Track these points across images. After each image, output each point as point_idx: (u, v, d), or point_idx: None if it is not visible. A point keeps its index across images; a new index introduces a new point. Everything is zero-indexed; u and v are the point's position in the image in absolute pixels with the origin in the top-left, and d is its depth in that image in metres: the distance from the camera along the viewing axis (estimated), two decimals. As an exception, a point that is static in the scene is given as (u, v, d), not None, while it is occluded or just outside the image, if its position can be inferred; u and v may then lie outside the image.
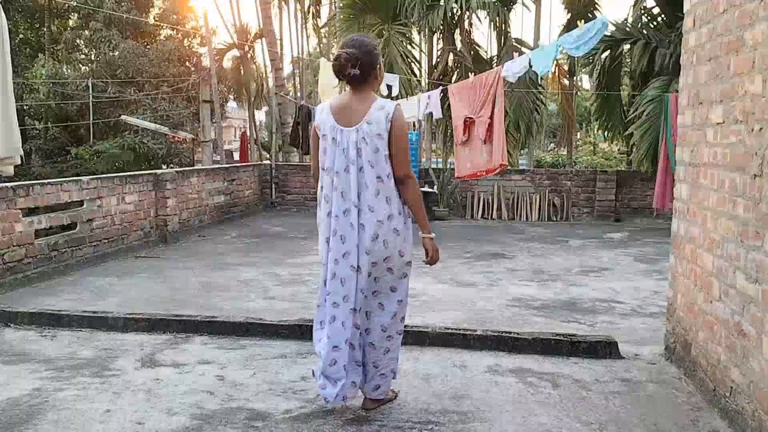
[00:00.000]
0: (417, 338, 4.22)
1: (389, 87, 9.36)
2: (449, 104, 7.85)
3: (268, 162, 14.54)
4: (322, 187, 3.10)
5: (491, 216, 11.46)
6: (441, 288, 6.02)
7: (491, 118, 6.82)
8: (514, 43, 13.29)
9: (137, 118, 18.92)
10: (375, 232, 2.96)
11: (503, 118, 6.92)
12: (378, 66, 3.07)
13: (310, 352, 4.12)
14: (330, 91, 9.95)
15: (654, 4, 11.55)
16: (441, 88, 8.27)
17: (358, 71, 2.96)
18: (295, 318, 4.66)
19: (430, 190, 11.70)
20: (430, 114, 8.77)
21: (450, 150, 15.43)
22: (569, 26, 14.27)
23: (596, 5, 14.45)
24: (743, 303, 2.83)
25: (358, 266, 2.98)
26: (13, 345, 4.32)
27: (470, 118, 7.11)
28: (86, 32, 22.53)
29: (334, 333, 3.04)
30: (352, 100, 3.04)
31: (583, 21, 13.87)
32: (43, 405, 3.28)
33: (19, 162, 5.68)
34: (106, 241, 7.37)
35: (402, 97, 9.87)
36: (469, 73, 12.24)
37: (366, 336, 3.12)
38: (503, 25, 13.29)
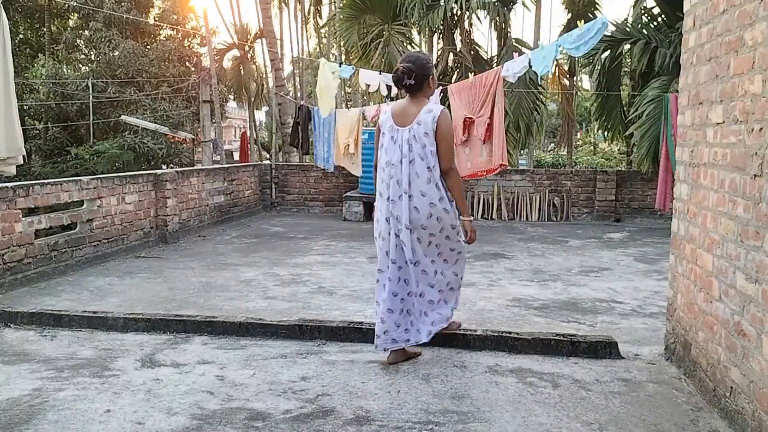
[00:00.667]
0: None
1: (389, 87, 9.35)
2: (449, 104, 7.85)
3: (268, 162, 14.55)
4: (382, 180, 3.76)
5: (491, 216, 11.46)
6: (441, 288, 6.01)
7: (491, 118, 6.81)
8: (514, 43, 13.29)
9: (137, 118, 18.94)
10: (429, 212, 3.61)
11: (503, 118, 6.91)
12: (430, 77, 3.70)
13: (309, 352, 4.12)
14: (328, 91, 9.94)
15: (654, 4, 11.54)
16: (441, 88, 8.26)
17: (413, 81, 3.65)
18: (295, 318, 4.66)
19: (430, 190, 11.70)
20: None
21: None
22: (569, 26, 14.26)
23: (596, 5, 14.44)
24: (743, 303, 2.83)
25: (410, 240, 3.64)
26: (13, 345, 4.32)
27: (470, 118, 7.10)
28: (86, 32, 22.55)
29: (390, 292, 3.71)
30: (408, 104, 3.73)
31: (583, 21, 13.87)
32: (43, 405, 3.28)
33: (21, 162, 5.69)
34: (106, 241, 7.37)
35: (402, 97, 9.86)
36: (469, 73, 12.24)
37: (420, 298, 3.77)
38: (503, 25, 13.29)
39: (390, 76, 10.14)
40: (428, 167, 3.60)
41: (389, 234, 3.71)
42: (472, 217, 3.72)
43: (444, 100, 8.29)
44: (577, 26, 12.96)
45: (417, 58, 3.74)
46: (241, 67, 23.73)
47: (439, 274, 3.79)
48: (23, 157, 5.62)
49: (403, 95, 3.83)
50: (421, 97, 3.72)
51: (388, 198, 3.69)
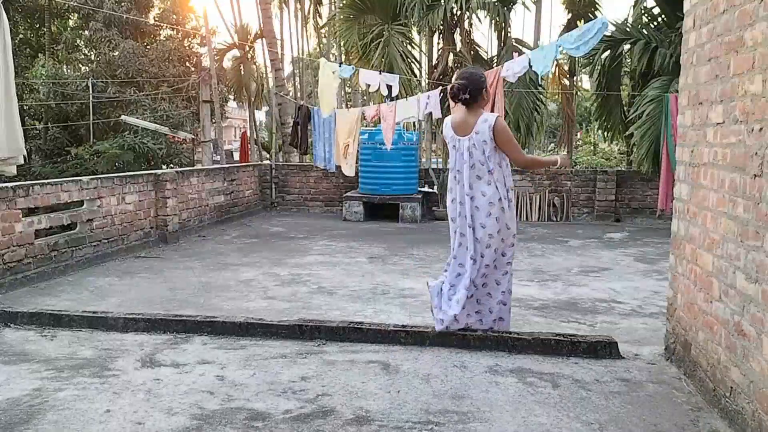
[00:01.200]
0: (417, 338, 4.23)
1: (389, 87, 9.36)
2: (448, 104, 7.86)
3: (268, 162, 14.54)
4: (450, 187, 4.22)
5: (491, 216, 11.44)
6: (441, 288, 6.01)
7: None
8: (514, 43, 13.28)
9: (137, 118, 18.92)
10: (488, 211, 4.03)
11: (503, 119, 6.93)
12: (483, 90, 4.08)
13: (309, 352, 4.12)
14: (329, 91, 9.94)
15: (654, 4, 11.54)
16: (441, 88, 8.26)
17: (468, 96, 4.01)
18: (295, 318, 4.66)
19: (430, 190, 11.71)
20: (430, 114, 8.77)
21: (450, 150, 15.42)
22: (569, 26, 14.25)
23: (596, 5, 14.43)
24: (743, 303, 2.83)
25: (476, 237, 4.07)
26: (13, 345, 4.32)
27: (470, 118, 7.13)
28: (86, 32, 22.55)
29: (457, 283, 4.19)
30: (466, 116, 4.10)
31: (582, 21, 13.86)
32: (43, 405, 3.28)
33: (22, 162, 5.69)
34: (106, 241, 7.37)
35: (402, 97, 9.86)
36: (469, 73, 12.21)
37: (483, 288, 4.17)
38: (503, 25, 13.28)
39: (390, 76, 10.14)
40: (488, 170, 4.03)
41: (455, 232, 4.22)
42: (557, 158, 4.26)
43: (444, 100, 8.29)
44: (577, 26, 12.96)
45: (471, 74, 4.12)
46: (241, 67, 23.71)
47: (485, 277, 4.16)
48: (24, 157, 5.62)
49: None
50: (476, 108, 4.09)
51: (453, 200, 4.21)
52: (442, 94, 8.17)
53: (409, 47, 13.62)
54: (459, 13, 12.88)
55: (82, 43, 23.66)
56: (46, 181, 6.76)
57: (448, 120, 4.23)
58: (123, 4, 21.47)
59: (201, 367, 3.84)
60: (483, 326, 4.23)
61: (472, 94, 4.03)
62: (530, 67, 6.35)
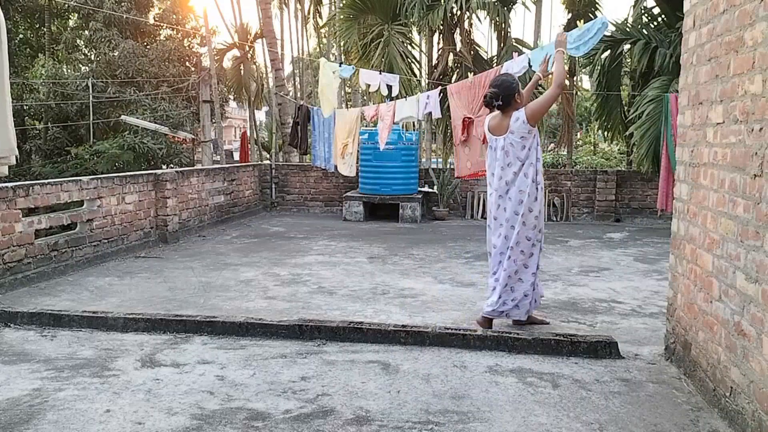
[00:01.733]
0: (417, 338, 4.23)
1: (389, 87, 9.35)
2: (448, 104, 7.86)
3: (268, 162, 14.54)
4: (489, 182, 4.56)
5: (491, 216, 11.44)
6: (441, 288, 6.02)
7: (491, 118, 6.84)
8: (514, 43, 13.26)
9: (137, 118, 18.92)
10: (519, 199, 4.36)
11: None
12: (516, 94, 4.39)
13: (309, 352, 4.12)
14: (330, 91, 9.93)
15: (654, 4, 11.53)
16: (440, 88, 8.26)
17: (501, 102, 4.37)
18: (295, 318, 4.66)
19: (430, 190, 11.71)
20: (430, 114, 8.77)
21: (450, 150, 15.40)
22: (569, 26, 14.25)
23: (596, 5, 14.42)
24: (743, 303, 2.83)
25: (511, 225, 4.41)
26: (13, 345, 4.32)
27: (469, 118, 7.12)
28: (86, 32, 22.54)
29: (495, 268, 4.55)
30: (501, 118, 4.43)
31: (582, 21, 13.85)
32: (42, 405, 3.28)
33: (14, 162, 5.65)
34: (106, 241, 7.37)
35: (402, 97, 9.86)
36: (469, 73, 12.23)
37: (515, 275, 4.46)
38: (503, 25, 13.27)
39: (390, 76, 10.12)
40: (522, 163, 4.35)
41: (494, 220, 4.52)
42: (557, 42, 4.69)
43: (444, 100, 8.29)
44: (577, 26, 12.96)
45: (502, 82, 4.42)
46: (241, 67, 23.69)
47: (512, 261, 4.45)
48: (16, 157, 5.59)
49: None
50: (510, 111, 4.39)
51: (491, 194, 4.55)
52: (441, 94, 8.16)
53: (409, 47, 13.61)
54: (459, 13, 12.87)
55: (82, 43, 23.65)
56: (46, 181, 6.76)
57: (486, 120, 4.61)
58: (123, 4, 21.46)
59: (201, 367, 3.84)
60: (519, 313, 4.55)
61: (504, 101, 4.37)
62: (530, 67, 6.35)
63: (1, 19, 5.27)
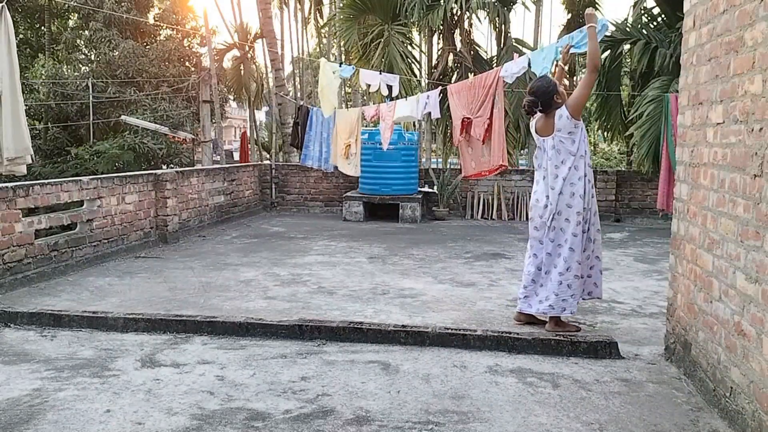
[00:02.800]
0: (417, 338, 4.23)
1: (389, 87, 9.34)
2: (448, 104, 7.86)
3: (268, 162, 14.54)
4: (536, 180, 4.57)
5: (491, 216, 11.45)
6: (441, 288, 6.01)
7: (490, 118, 6.82)
8: (514, 44, 13.28)
9: (137, 118, 18.91)
10: (571, 191, 4.34)
11: (503, 119, 6.92)
12: (555, 95, 4.38)
13: (309, 352, 4.13)
14: (330, 91, 9.93)
15: (654, 4, 11.54)
16: (440, 88, 8.26)
17: (541, 107, 4.41)
18: (295, 318, 4.66)
19: (430, 190, 11.71)
20: (430, 114, 8.77)
21: (449, 150, 15.42)
22: (569, 26, 14.26)
23: (596, 5, 14.44)
24: (743, 303, 2.83)
25: (566, 219, 4.39)
26: (13, 345, 4.32)
27: (468, 118, 7.12)
28: (86, 32, 22.54)
29: (532, 263, 4.52)
30: (545, 120, 4.45)
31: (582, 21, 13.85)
32: (43, 405, 3.28)
33: (30, 161, 5.66)
34: (106, 241, 7.37)
35: (402, 97, 9.86)
36: (469, 74, 12.23)
37: (550, 271, 4.43)
38: (503, 26, 13.28)
39: (390, 76, 10.10)
40: (573, 156, 4.35)
41: (540, 217, 4.47)
42: (588, 18, 4.58)
43: (444, 100, 8.29)
44: (577, 26, 12.95)
45: (538, 88, 4.44)
46: (241, 67, 23.68)
47: (557, 258, 4.41)
48: (31, 156, 5.61)
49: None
50: (552, 112, 4.40)
51: (535, 191, 4.55)
52: (441, 95, 8.16)
53: (409, 47, 13.63)
54: (459, 13, 12.89)
55: (82, 43, 23.65)
56: (46, 181, 6.76)
57: (532, 123, 4.64)
58: (123, 4, 21.46)
59: (201, 367, 3.84)
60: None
61: (544, 105, 4.40)
62: (529, 67, 6.35)
63: (9, 22, 5.28)
